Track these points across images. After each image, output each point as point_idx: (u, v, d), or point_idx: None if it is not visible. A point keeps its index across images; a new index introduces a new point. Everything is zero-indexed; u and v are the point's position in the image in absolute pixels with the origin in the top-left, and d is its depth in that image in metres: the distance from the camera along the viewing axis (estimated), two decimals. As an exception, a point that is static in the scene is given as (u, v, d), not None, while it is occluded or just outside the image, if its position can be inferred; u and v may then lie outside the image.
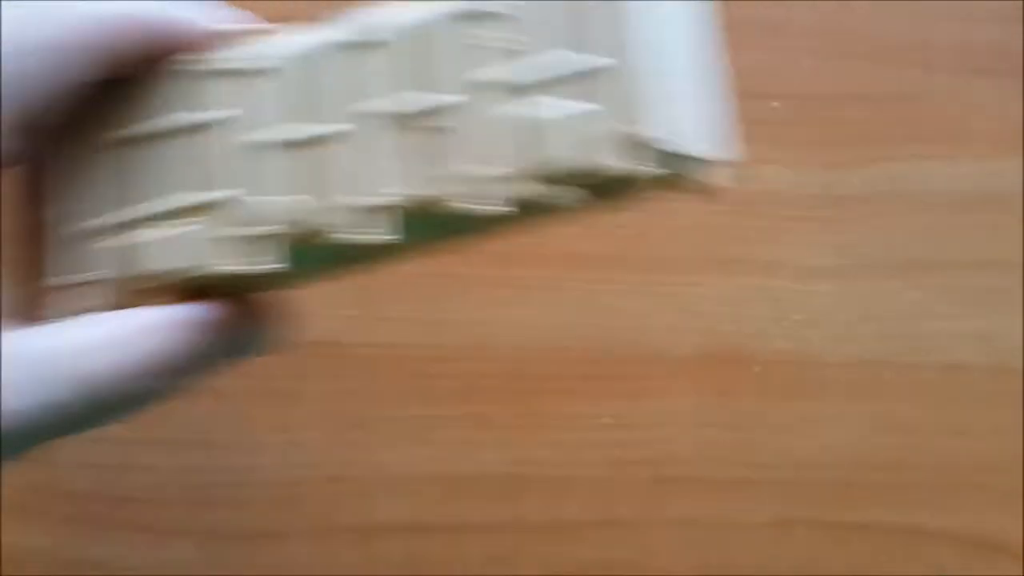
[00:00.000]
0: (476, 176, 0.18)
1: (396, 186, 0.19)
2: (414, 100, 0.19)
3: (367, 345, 0.34)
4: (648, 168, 0.18)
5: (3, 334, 0.19)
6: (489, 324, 0.34)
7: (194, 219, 0.20)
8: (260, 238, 0.20)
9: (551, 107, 0.18)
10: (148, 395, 0.20)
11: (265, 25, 0.21)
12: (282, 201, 0.20)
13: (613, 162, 0.18)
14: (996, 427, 0.35)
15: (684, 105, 0.19)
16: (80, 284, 0.21)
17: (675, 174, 0.18)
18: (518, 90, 0.18)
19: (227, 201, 0.20)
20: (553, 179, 0.18)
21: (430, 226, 0.19)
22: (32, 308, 0.21)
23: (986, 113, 0.34)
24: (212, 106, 0.20)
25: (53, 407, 0.19)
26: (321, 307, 0.33)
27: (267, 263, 0.20)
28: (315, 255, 0.20)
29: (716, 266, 0.34)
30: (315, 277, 0.23)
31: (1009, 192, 0.34)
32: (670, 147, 0.18)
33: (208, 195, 0.20)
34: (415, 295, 0.34)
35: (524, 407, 0.34)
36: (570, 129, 0.18)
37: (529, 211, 0.19)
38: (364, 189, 0.19)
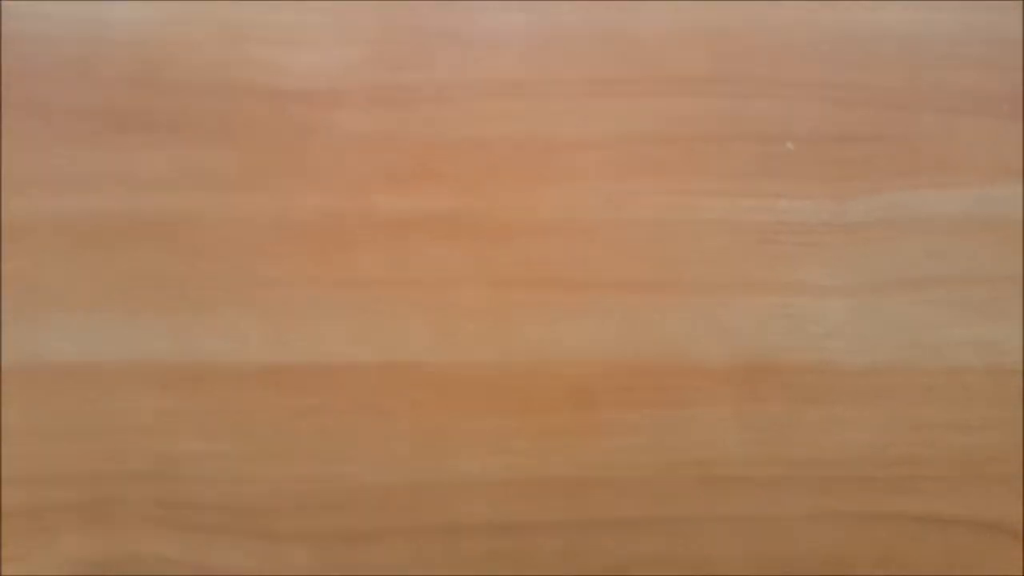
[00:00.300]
0: None
1: None
2: None
3: (446, 364, 0.39)
4: None
5: None
6: (551, 343, 0.39)
7: None
8: None
9: None
10: None
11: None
12: None
13: None
14: (998, 422, 0.39)
15: None
16: None
17: None
18: None
19: None
20: None
21: None
22: None
23: (971, 146, 0.39)
24: None
25: None
26: (406, 332, 0.38)
27: None
28: None
29: (744, 288, 0.39)
30: None
31: (996, 214, 0.39)
32: None
33: None
34: (485, 319, 0.39)
35: (585, 416, 0.39)
36: None
37: None
38: None
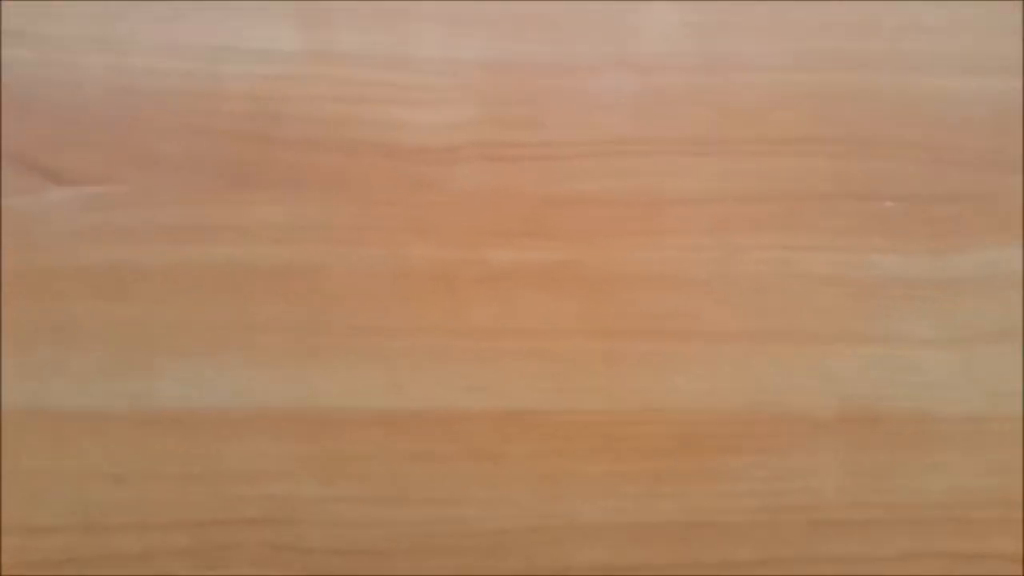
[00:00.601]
0: None
1: None
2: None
3: (559, 412, 0.40)
4: None
5: None
6: (661, 392, 0.40)
7: None
8: None
9: None
10: None
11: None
12: None
13: None
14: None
15: None
16: None
17: None
18: None
19: None
20: None
21: None
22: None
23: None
24: None
25: None
26: (519, 381, 0.40)
27: None
28: None
29: (847, 339, 0.40)
30: None
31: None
32: None
33: None
34: (595, 368, 0.40)
35: (694, 462, 0.40)
36: None
37: None
38: None
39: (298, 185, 0.40)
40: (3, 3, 0.39)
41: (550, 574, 0.39)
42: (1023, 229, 0.41)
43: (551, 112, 0.40)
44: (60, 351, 0.39)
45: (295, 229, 0.40)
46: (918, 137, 0.41)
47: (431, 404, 0.40)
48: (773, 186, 0.40)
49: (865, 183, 0.40)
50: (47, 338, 0.39)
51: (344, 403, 0.40)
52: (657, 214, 0.40)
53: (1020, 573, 0.40)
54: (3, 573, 0.39)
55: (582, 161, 0.40)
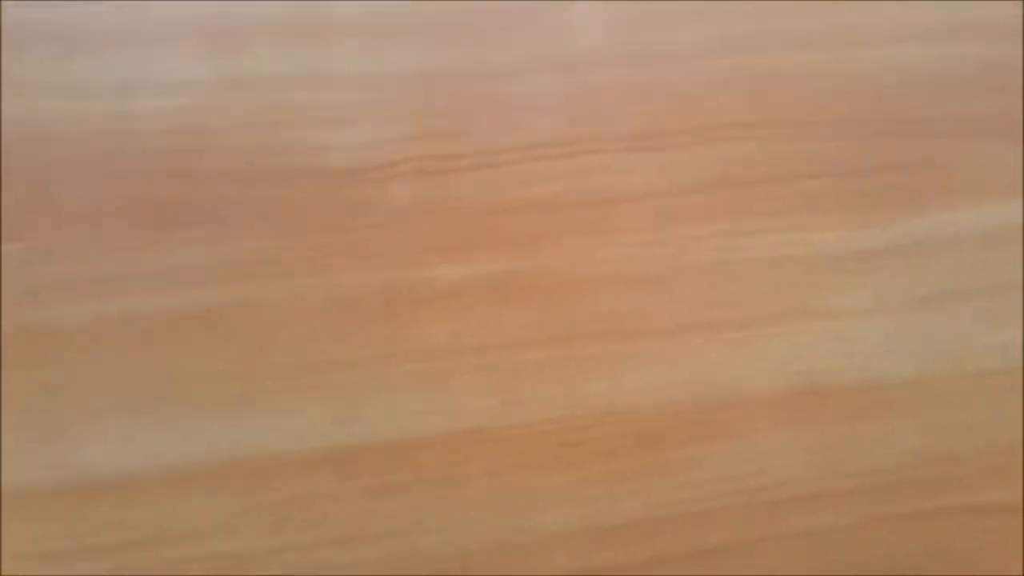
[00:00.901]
0: None
1: None
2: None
3: (514, 425, 0.39)
4: None
5: None
6: (617, 393, 0.40)
7: None
8: None
9: None
10: None
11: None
12: None
13: None
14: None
15: None
16: None
17: None
18: None
19: None
20: None
21: None
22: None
23: (986, 168, 0.41)
24: None
25: None
26: (473, 399, 0.39)
27: None
28: None
29: (791, 318, 0.41)
30: None
31: (1011, 228, 0.42)
32: None
33: None
34: (549, 376, 0.39)
35: (653, 458, 0.40)
36: None
37: None
38: None
39: (223, 221, 0.37)
40: None
41: (526, 586, 0.39)
42: (961, 194, 0.42)
43: (482, 120, 0.38)
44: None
45: (222, 268, 0.37)
46: (854, 111, 0.41)
47: (382, 435, 0.38)
48: (713, 174, 0.40)
49: (803, 162, 0.40)
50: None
51: (287, 446, 0.38)
52: (602, 214, 0.39)
53: (973, 524, 0.42)
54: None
55: (520, 167, 0.39)
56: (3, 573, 0.37)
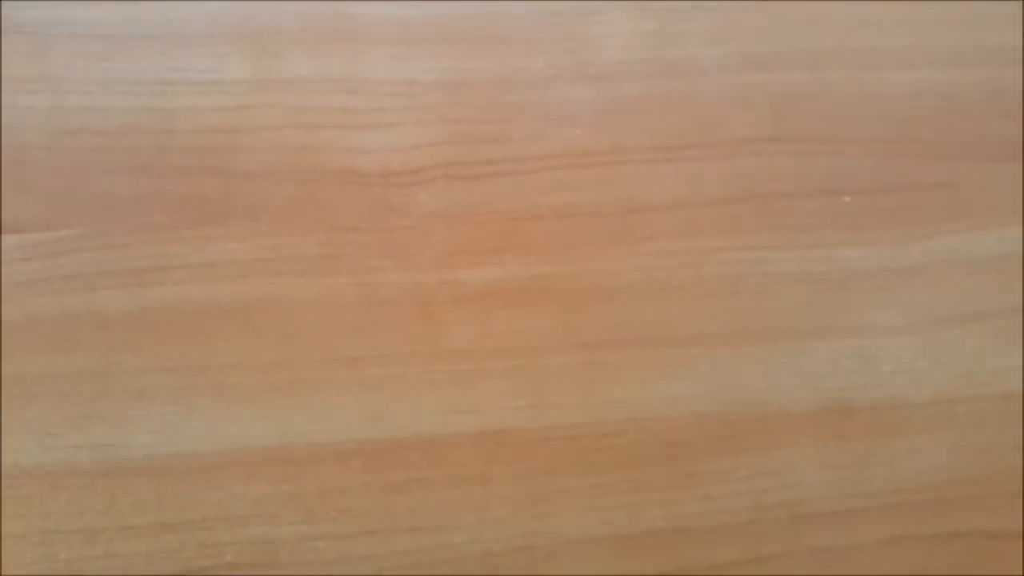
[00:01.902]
0: None
1: None
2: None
3: (542, 429, 0.40)
4: None
5: None
6: (641, 401, 0.40)
7: None
8: None
9: None
10: None
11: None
12: None
13: None
14: (1051, 440, 0.42)
15: None
16: None
17: None
18: None
19: None
20: None
21: None
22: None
23: (1007, 190, 0.42)
24: None
25: None
26: (500, 400, 0.39)
27: None
28: None
29: (817, 334, 0.41)
30: None
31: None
32: None
33: None
34: (574, 382, 0.40)
35: (676, 468, 0.40)
36: None
37: None
38: None
39: (258, 217, 0.39)
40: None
41: (545, 592, 0.39)
42: (981, 215, 0.42)
43: (513, 127, 0.40)
44: (16, 407, 0.37)
45: (258, 263, 0.39)
46: (873, 131, 0.41)
47: (411, 431, 0.39)
48: (738, 187, 0.40)
49: (825, 179, 0.41)
50: (2, 395, 0.37)
51: (320, 438, 0.39)
52: (627, 223, 0.40)
53: (996, 549, 0.42)
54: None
55: (548, 175, 0.40)
56: (43, 547, 0.38)
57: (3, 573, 0.37)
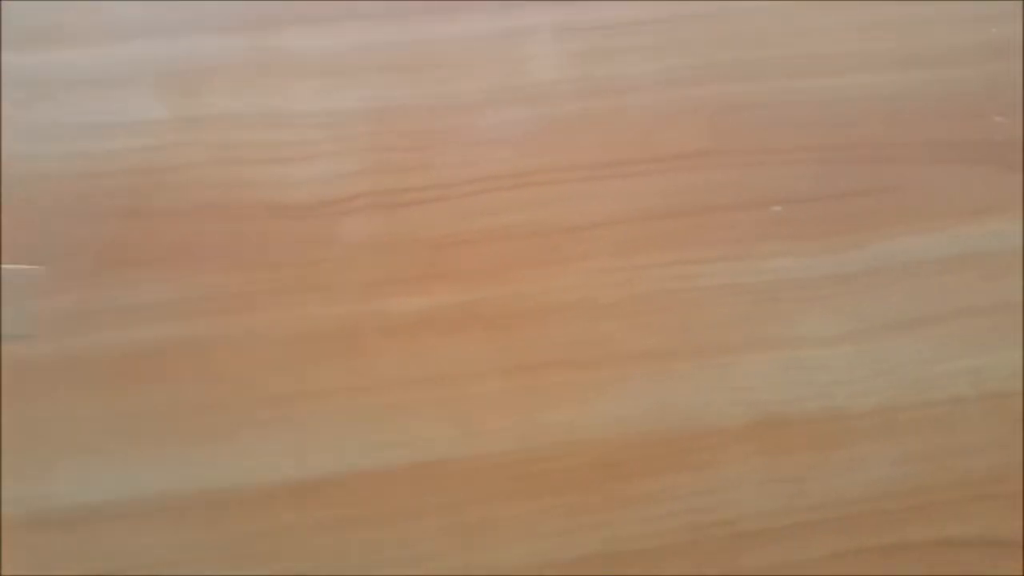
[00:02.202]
0: None
1: None
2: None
3: (472, 458, 0.39)
4: None
5: None
6: (573, 423, 0.40)
7: None
8: None
9: None
10: None
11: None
12: None
13: None
14: (996, 443, 0.42)
15: None
16: None
17: None
18: None
19: None
20: None
21: None
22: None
23: (943, 192, 0.41)
24: None
25: None
26: (431, 431, 0.39)
27: None
28: None
29: (752, 346, 0.40)
30: None
31: (972, 252, 0.41)
32: None
33: None
34: (507, 408, 0.40)
35: (611, 491, 0.40)
36: None
37: None
38: None
39: (182, 257, 0.38)
40: None
41: (482, 621, 0.39)
42: (921, 219, 0.41)
43: (439, 153, 0.39)
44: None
45: (181, 303, 0.38)
46: (807, 140, 0.41)
47: (340, 468, 0.39)
48: (673, 203, 0.40)
49: (758, 191, 0.40)
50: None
51: (246, 480, 0.38)
52: (558, 243, 0.40)
53: (946, 557, 0.41)
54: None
55: (476, 198, 0.40)
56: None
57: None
